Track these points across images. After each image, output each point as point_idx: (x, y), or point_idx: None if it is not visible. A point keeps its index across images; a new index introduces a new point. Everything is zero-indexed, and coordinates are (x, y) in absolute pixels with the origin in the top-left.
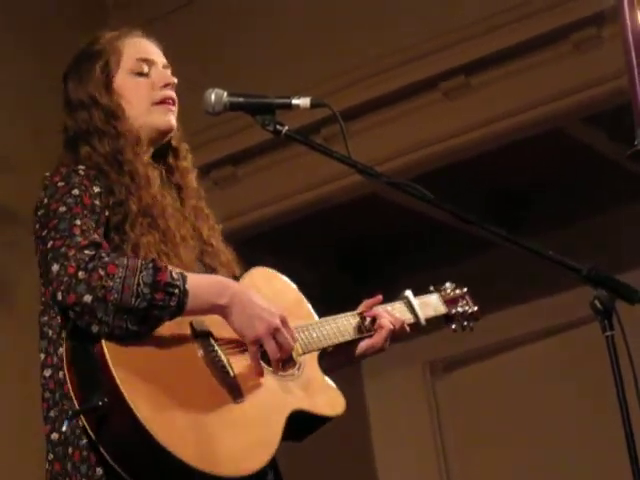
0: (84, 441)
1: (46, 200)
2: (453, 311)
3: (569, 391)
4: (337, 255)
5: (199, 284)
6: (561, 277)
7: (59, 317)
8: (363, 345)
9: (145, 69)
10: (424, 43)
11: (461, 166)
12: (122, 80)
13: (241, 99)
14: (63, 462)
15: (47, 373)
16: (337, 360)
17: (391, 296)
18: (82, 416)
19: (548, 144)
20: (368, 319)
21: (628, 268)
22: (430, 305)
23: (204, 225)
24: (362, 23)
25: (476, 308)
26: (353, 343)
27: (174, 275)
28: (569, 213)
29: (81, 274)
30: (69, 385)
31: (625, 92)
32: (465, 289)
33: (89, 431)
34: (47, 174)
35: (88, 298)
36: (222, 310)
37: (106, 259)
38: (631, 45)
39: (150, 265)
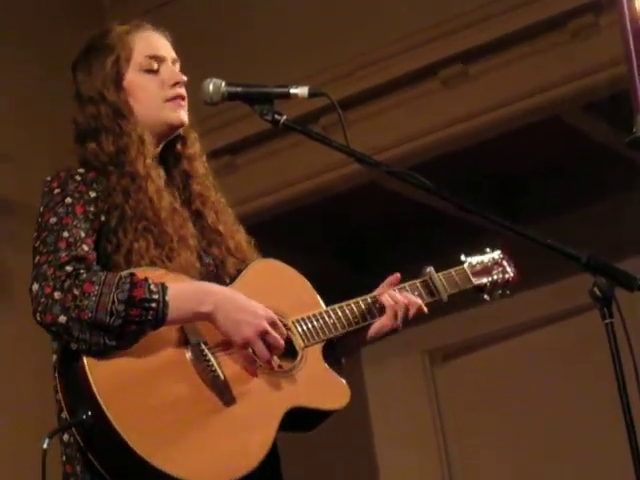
0: None
1: (41, 209)
2: (484, 281)
3: (569, 378)
4: (336, 244)
5: (180, 294)
6: (560, 265)
7: None
8: (374, 327)
9: (155, 66)
10: (422, 31)
11: (460, 154)
12: (132, 77)
13: (239, 89)
14: (73, 464)
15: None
16: (350, 344)
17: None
18: (74, 428)
19: (546, 132)
20: (378, 302)
21: (627, 256)
22: (455, 280)
23: (210, 212)
24: (360, 12)
25: (512, 274)
26: (362, 327)
27: (152, 288)
28: (568, 201)
29: (57, 294)
30: (60, 396)
31: (623, 79)
32: (500, 254)
33: (80, 442)
34: (47, 178)
35: (63, 319)
36: (207, 317)
37: (83, 276)
38: (629, 32)
39: (128, 280)
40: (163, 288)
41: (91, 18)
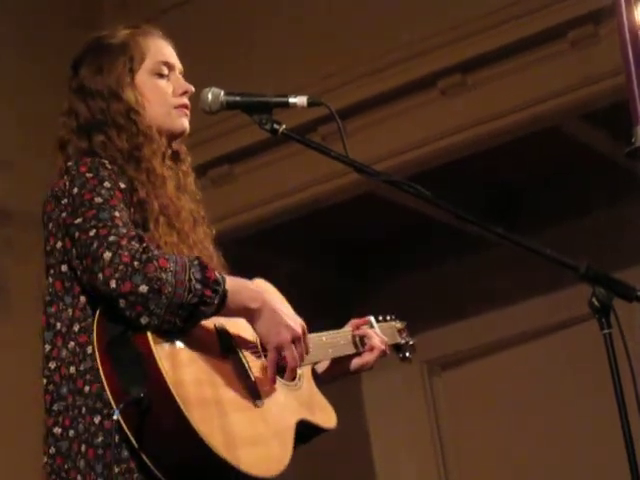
0: (99, 439)
1: (76, 189)
2: (402, 341)
3: (567, 389)
4: (335, 254)
5: (236, 286)
6: (559, 275)
7: (70, 310)
8: (356, 363)
9: (165, 72)
10: (421, 41)
11: (459, 164)
12: (144, 79)
13: (238, 98)
14: (68, 458)
15: (52, 365)
16: (333, 372)
17: (391, 295)
18: (118, 411)
19: (545, 142)
20: (358, 337)
21: (626, 266)
22: (387, 333)
23: (199, 229)
24: (359, 21)
25: (413, 341)
26: (347, 357)
27: (217, 274)
28: (567, 211)
29: (137, 264)
30: (103, 378)
31: (622, 90)
32: (404, 323)
33: (123, 425)
34: (70, 163)
35: (144, 288)
36: (252, 313)
37: (156, 252)
38: (628, 43)
39: (196, 262)
40: (222, 277)
41: (92, 27)
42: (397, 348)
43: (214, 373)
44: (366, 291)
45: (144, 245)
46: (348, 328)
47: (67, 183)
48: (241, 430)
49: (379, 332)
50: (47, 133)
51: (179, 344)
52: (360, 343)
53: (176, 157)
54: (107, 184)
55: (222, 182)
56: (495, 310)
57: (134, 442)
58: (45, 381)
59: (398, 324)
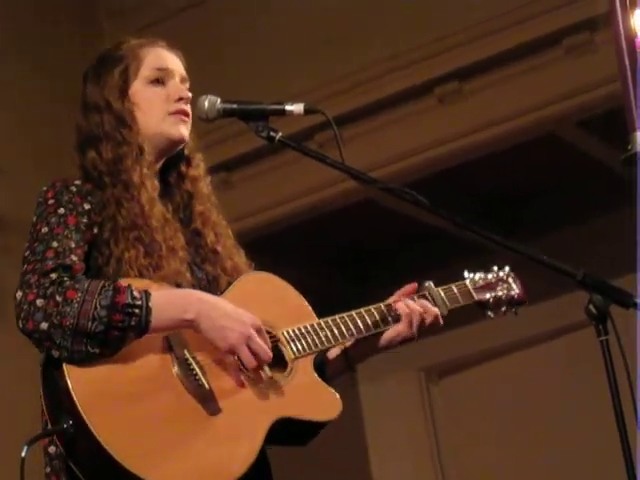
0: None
1: (34, 219)
2: (487, 296)
3: (565, 395)
4: (334, 261)
5: (164, 301)
6: (556, 282)
7: None
8: (388, 335)
9: (162, 78)
10: (418, 49)
11: (456, 171)
12: (138, 88)
13: (234, 105)
14: (59, 475)
15: None
16: (360, 351)
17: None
18: (55, 436)
19: (542, 149)
20: (388, 311)
21: (621, 273)
22: (455, 294)
23: (210, 232)
24: (356, 29)
25: (518, 291)
26: (373, 335)
27: (135, 294)
28: (563, 217)
29: (39, 302)
30: (43, 406)
31: (618, 97)
32: (506, 272)
33: (62, 450)
34: (43, 188)
35: (44, 325)
36: (190, 324)
37: (67, 283)
38: (624, 50)
39: (110, 287)
40: (146, 295)
41: (89, 36)
42: (480, 306)
43: (149, 392)
44: (365, 297)
45: (55, 278)
46: (389, 300)
47: (35, 210)
48: (178, 448)
49: (412, 303)
50: (44, 141)
51: (104, 370)
52: (393, 314)
53: (188, 162)
54: (61, 210)
55: (219, 190)
56: (500, 317)
57: (76, 470)
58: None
59: (489, 276)
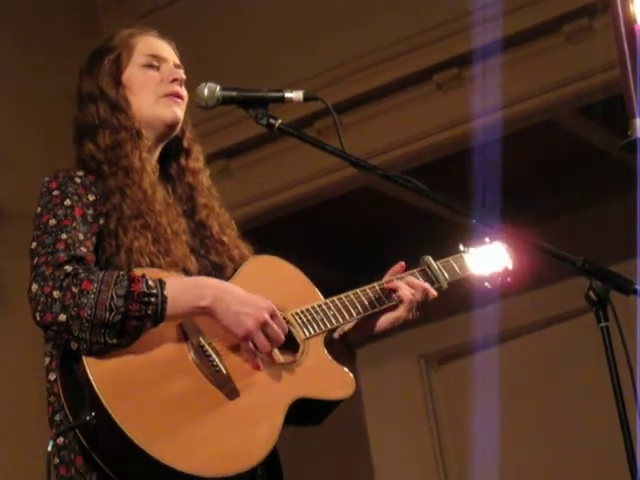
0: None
1: (39, 210)
2: (483, 267)
3: (565, 382)
4: (333, 248)
5: (179, 289)
6: (556, 268)
7: None
8: (387, 318)
9: (155, 63)
10: (417, 36)
11: (455, 158)
12: (131, 73)
13: (234, 93)
14: (68, 466)
15: (52, 377)
16: (358, 334)
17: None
18: (77, 429)
19: (542, 135)
20: (384, 291)
21: (621, 259)
22: (453, 267)
23: (214, 222)
24: (355, 16)
25: (511, 261)
26: (372, 316)
27: (150, 283)
28: (563, 204)
29: (56, 293)
30: (63, 400)
31: (617, 83)
32: (499, 244)
33: (84, 443)
34: (46, 179)
35: (62, 317)
36: (206, 311)
37: (82, 275)
38: (623, 36)
39: (125, 277)
40: (161, 283)
41: (86, 24)
42: (479, 277)
43: (167, 379)
44: (364, 284)
45: (71, 270)
46: (383, 280)
47: (39, 201)
48: (199, 433)
49: (412, 279)
50: (45, 132)
51: (123, 360)
52: (389, 295)
53: (187, 155)
54: (67, 202)
55: (218, 177)
56: (492, 303)
57: (99, 462)
58: (47, 393)
59: (484, 249)
